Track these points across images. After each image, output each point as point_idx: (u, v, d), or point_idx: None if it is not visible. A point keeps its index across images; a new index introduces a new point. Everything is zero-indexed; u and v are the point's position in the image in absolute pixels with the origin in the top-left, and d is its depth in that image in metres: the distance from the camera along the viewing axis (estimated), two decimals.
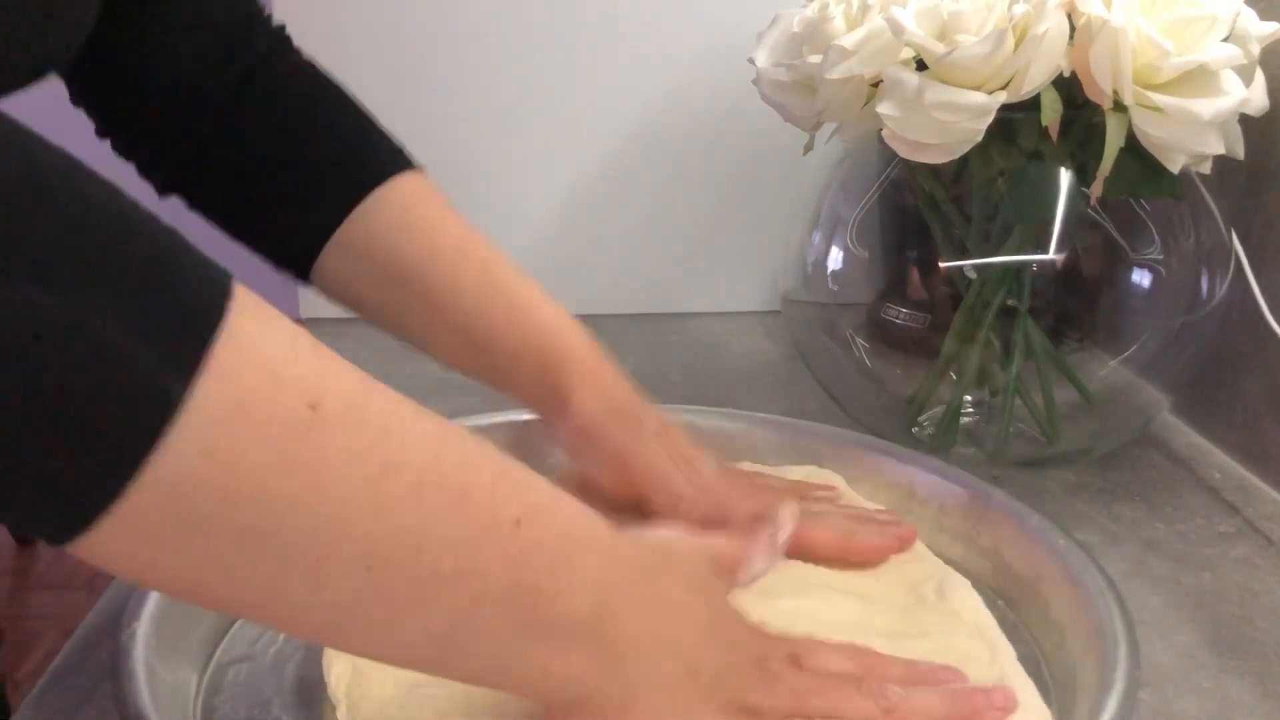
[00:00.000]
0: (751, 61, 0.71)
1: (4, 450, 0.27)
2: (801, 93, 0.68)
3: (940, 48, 0.58)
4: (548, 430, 0.59)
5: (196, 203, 0.60)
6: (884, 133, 0.62)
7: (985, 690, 0.46)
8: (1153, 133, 0.59)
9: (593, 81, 1.00)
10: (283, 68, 0.61)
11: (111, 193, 0.29)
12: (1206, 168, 0.64)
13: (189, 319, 0.29)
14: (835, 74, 0.63)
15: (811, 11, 0.67)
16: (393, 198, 0.59)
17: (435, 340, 0.61)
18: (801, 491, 0.61)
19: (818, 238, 0.76)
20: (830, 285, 0.77)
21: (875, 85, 0.63)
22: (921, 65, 0.61)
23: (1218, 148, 0.61)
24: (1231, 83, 0.58)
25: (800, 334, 0.80)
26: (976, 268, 0.70)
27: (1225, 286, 0.69)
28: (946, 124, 0.59)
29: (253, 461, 0.30)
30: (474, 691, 0.45)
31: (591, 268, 1.06)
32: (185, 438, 0.28)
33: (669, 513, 0.55)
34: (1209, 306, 0.69)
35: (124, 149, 0.59)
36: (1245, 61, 0.58)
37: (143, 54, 0.56)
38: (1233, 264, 0.69)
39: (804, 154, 0.73)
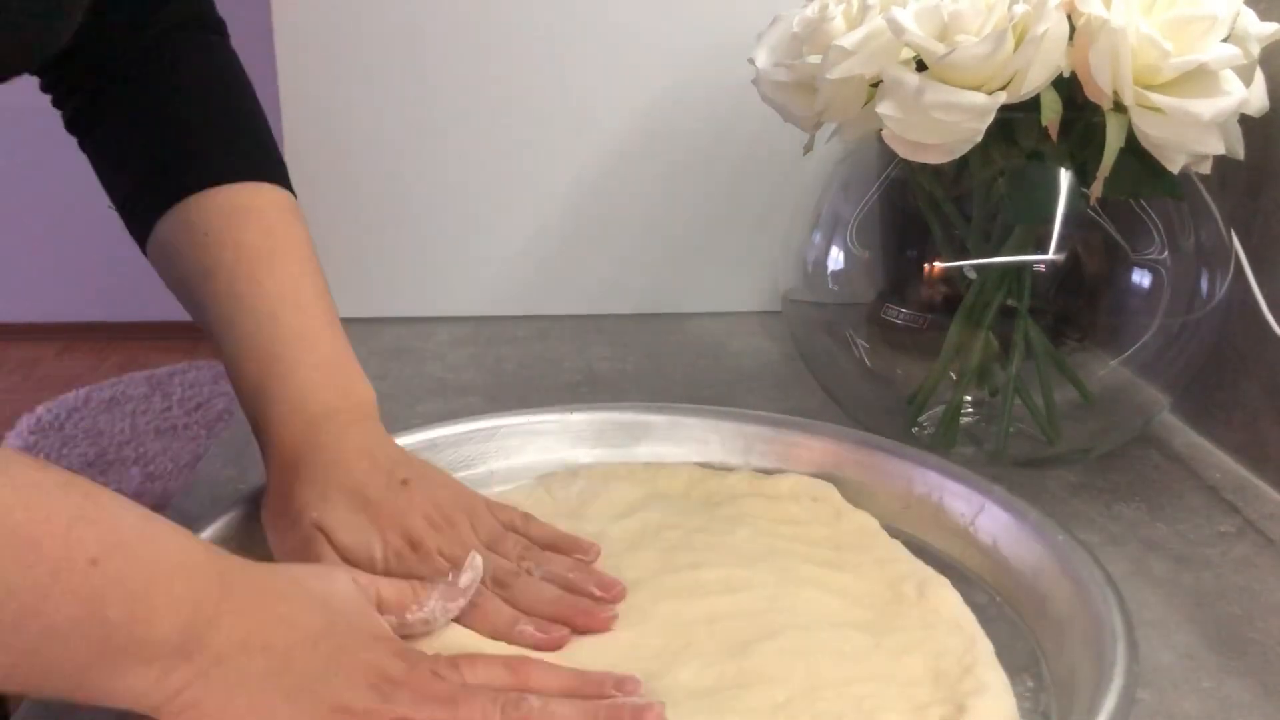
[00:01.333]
0: (751, 61, 0.71)
1: None
2: (801, 93, 0.68)
3: (940, 48, 0.58)
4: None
5: (83, 147, 0.62)
6: (884, 133, 0.62)
7: (637, 707, 0.45)
8: (1153, 133, 0.59)
9: (593, 82, 1.00)
10: (191, 48, 0.62)
11: None
12: (1206, 168, 0.64)
13: None
14: (835, 74, 0.63)
15: (811, 11, 0.67)
16: (222, 200, 0.59)
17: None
18: (563, 546, 0.58)
19: (818, 238, 0.76)
20: (830, 285, 0.77)
21: (875, 85, 0.63)
22: (921, 65, 0.61)
23: (1218, 148, 0.61)
24: (1231, 83, 0.58)
25: (800, 334, 0.80)
26: (976, 268, 0.70)
27: (1225, 286, 0.69)
28: (946, 124, 0.59)
29: None
30: None
31: (591, 268, 1.06)
32: None
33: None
34: (1209, 306, 0.69)
35: (47, 83, 0.62)
36: (1245, 61, 0.58)
37: None
38: (1233, 264, 0.69)
39: (804, 154, 0.73)
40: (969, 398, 0.75)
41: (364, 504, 0.54)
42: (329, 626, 0.45)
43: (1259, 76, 0.63)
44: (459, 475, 0.65)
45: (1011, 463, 0.72)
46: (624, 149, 1.02)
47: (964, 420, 0.75)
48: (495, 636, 0.52)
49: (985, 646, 0.50)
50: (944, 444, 0.73)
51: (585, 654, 0.51)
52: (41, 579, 0.36)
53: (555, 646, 0.51)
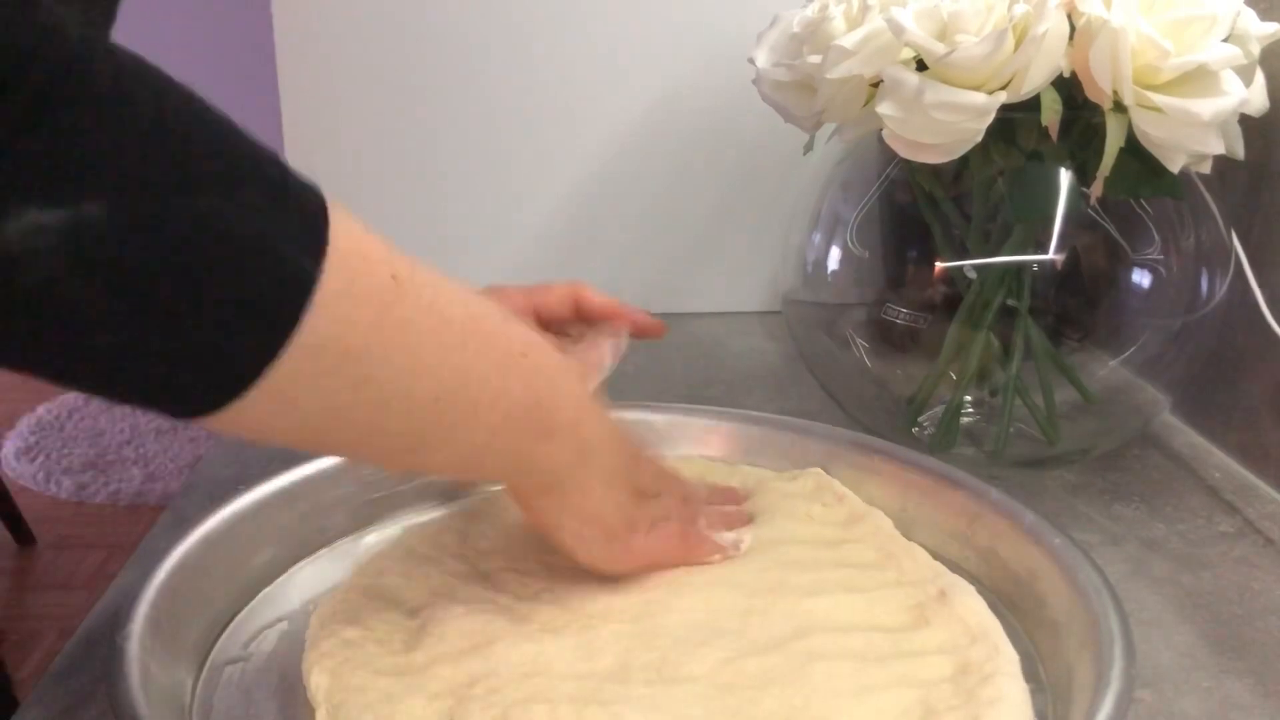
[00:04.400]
0: (751, 61, 0.71)
1: (184, 332, 0.33)
2: (801, 93, 0.68)
3: (940, 48, 0.58)
4: None
5: None
6: (884, 133, 0.62)
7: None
8: (1153, 133, 0.59)
9: (593, 81, 1.00)
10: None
11: (228, 119, 0.36)
12: (1206, 168, 0.64)
13: (311, 215, 0.36)
14: (835, 74, 0.63)
15: (811, 11, 0.67)
16: None
17: None
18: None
19: (818, 238, 0.76)
20: (830, 285, 0.77)
21: (875, 85, 0.63)
22: (921, 65, 0.61)
23: (1218, 148, 0.61)
24: (1231, 83, 0.58)
25: (800, 334, 0.80)
26: (976, 268, 0.70)
27: (1225, 286, 0.69)
28: (946, 124, 0.59)
29: (363, 322, 0.38)
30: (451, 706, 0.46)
31: (591, 268, 1.06)
32: (320, 308, 0.35)
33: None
34: (1209, 306, 0.69)
35: None
36: (1245, 61, 0.58)
37: None
38: (1233, 264, 0.69)
39: (804, 154, 0.73)
40: (969, 398, 0.75)
41: None
42: (622, 434, 0.54)
43: (1259, 76, 0.63)
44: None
45: (1011, 463, 0.72)
46: (624, 149, 1.02)
47: (964, 420, 0.75)
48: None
49: (1009, 656, 0.49)
50: (944, 444, 0.73)
51: (606, 638, 0.50)
52: (500, 365, 0.44)
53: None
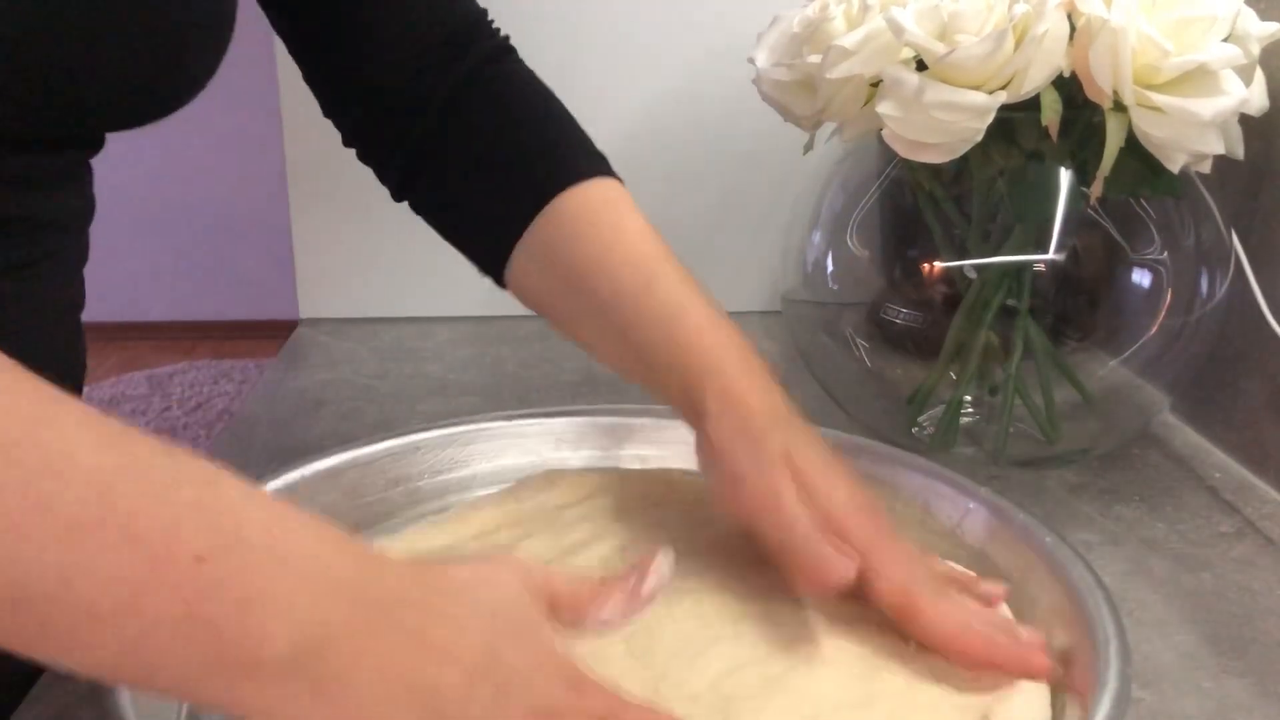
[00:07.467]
0: (751, 61, 0.71)
1: None
2: (801, 93, 0.68)
3: (940, 48, 0.58)
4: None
5: (419, 207, 0.64)
6: (884, 133, 0.62)
7: None
8: (1153, 132, 0.59)
9: (592, 82, 1.00)
10: (497, 73, 0.63)
11: None
12: (1206, 167, 0.64)
13: None
14: (835, 74, 0.63)
15: (811, 11, 0.67)
16: (575, 202, 0.60)
17: (602, 349, 0.60)
18: (960, 582, 0.52)
19: (818, 238, 0.76)
20: (830, 285, 0.77)
21: (875, 85, 0.63)
22: (921, 65, 0.61)
23: (1218, 147, 0.61)
24: (1231, 83, 0.58)
25: (800, 334, 0.80)
26: (976, 268, 0.70)
27: (1225, 286, 0.69)
28: (946, 124, 0.59)
29: None
30: None
31: None
32: None
33: (776, 543, 0.49)
34: (1209, 306, 0.69)
35: (362, 156, 0.64)
36: (1245, 61, 0.58)
37: (368, 54, 0.61)
38: (1233, 264, 0.69)
39: (804, 154, 0.73)
40: (969, 397, 0.75)
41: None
42: (491, 659, 0.38)
43: (1259, 76, 0.63)
44: (442, 478, 0.65)
45: (1011, 463, 0.72)
46: (624, 149, 1.01)
47: (964, 420, 0.75)
48: (944, 642, 0.47)
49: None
50: (944, 444, 0.73)
51: (599, 657, 0.50)
52: (137, 573, 0.32)
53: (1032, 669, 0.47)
